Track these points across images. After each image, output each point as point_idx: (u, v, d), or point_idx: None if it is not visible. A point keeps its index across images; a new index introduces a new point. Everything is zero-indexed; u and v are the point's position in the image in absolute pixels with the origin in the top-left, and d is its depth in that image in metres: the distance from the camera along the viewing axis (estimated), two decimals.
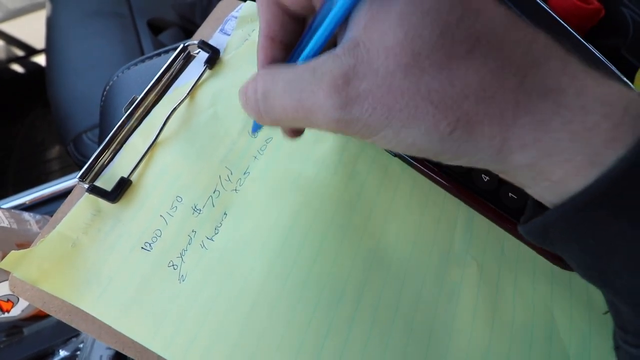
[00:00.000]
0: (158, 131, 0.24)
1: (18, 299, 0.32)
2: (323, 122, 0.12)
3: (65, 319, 0.20)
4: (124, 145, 0.24)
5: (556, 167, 0.11)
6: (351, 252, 0.21)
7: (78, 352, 0.38)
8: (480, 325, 0.20)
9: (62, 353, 0.37)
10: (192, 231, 0.22)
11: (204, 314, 0.19)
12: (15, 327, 0.36)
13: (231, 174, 0.24)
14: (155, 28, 0.66)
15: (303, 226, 0.22)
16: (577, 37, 0.27)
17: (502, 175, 0.12)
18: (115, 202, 0.22)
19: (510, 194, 0.23)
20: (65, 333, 0.36)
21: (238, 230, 0.22)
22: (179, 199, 0.23)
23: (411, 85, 0.11)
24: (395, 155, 0.25)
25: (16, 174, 0.93)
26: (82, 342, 0.36)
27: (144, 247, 0.21)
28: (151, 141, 0.24)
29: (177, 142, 0.24)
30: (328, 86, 0.11)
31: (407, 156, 0.24)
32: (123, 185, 0.23)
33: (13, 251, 0.20)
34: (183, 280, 0.20)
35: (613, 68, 0.25)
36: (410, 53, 0.11)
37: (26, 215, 0.36)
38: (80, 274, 0.20)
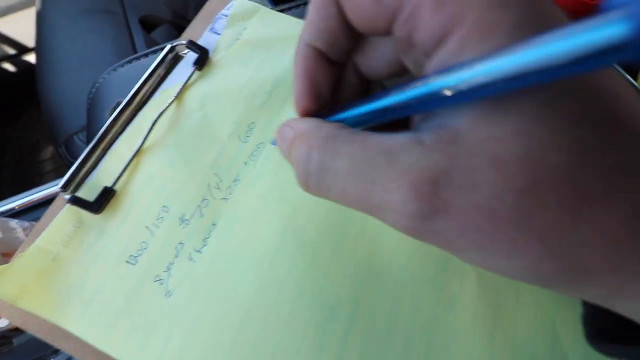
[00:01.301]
0: (144, 137, 0.23)
1: None
2: (393, 224, 0.10)
3: (46, 339, 0.19)
4: (108, 152, 0.23)
5: None
6: (345, 264, 0.20)
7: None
8: (480, 338, 0.19)
9: None
10: (180, 243, 0.21)
11: (192, 331, 0.18)
12: (4, 337, 0.35)
13: (221, 181, 0.22)
14: (148, 25, 0.65)
15: (295, 237, 0.21)
16: None
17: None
18: (98, 213, 0.21)
19: None
20: None
21: (227, 242, 0.21)
22: (166, 209, 0.21)
23: (521, 217, 0.08)
24: None
25: (11, 174, 0.91)
26: None
27: (129, 260, 0.20)
28: (137, 148, 0.23)
29: (163, 148, 0.23)
30: (409, 188, 0.09)
31: None
32: (106, 195, 0.21)
33: None
34: (170, 296, 0.19)
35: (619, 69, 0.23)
36: (530, 177, 0.08)
37: (13, 222, 0.34)
38: (61, 291, 0.19)
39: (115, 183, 0.22)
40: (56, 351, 0.36)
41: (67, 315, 0.19)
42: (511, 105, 0.08)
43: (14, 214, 0.42)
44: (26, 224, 0.36)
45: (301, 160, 0.11)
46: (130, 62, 0.30)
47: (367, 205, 0.10)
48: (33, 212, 0.43)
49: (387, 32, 0.10)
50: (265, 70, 0.26)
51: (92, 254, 0.20)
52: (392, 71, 0.12)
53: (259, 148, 0.24)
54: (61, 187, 0.22)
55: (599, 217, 0.08)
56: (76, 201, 0.21)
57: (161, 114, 0.24)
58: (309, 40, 0.12)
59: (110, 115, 0.24)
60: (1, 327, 0.32)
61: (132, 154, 0.23)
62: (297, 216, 0.21)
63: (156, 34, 0.64)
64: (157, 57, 0.26)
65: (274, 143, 0.17)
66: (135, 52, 0.63)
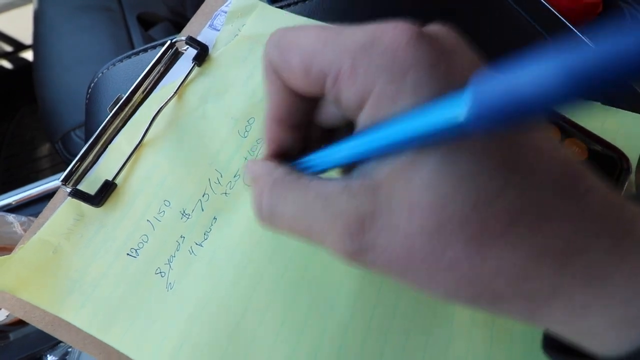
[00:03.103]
0: (144, 132, 0.23)
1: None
2: (331, 253, 0.11)
3: (47, 330, 0.19)
4: (109, 147, 0.24)
5: (593, 341, 0.10)
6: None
7: (67, 357, 0.37)
8: (479, 329, 0.19)
9: (50, 358, 0.36)
10: (181, 237, 0.21)
11: (192, 323, 0.19)
12: (1, 332, 0.35)
13: (221, 176, 0.23)
14: (146, 22, 0.65)
15: None
16: (575, 33, 0.27)
17: None
18: (99, 207, 0.21)
19: None
20: (54, 338, 0.35)
21: (228, 236, 0.21)
22: (167, 203, 0.22)
23: (433, 254, 0.10)
24: None
25: (5, 172, 0.91)
26: (71, 346, 0.35)
27: (130, 253, 0.20)
28: (137, 142, 0.23)
29: (164, 144, 0.24)
30: (341, 229, 0.11)
31: None
32: (107, 189, 0.22)
33: None
34: (171, 288, 0.19)
35: None
36: (437, 220, 0.10)
37: (10, 217, 0.34)
38: (61, 282, 0.19)
39: (115, 177, 0.22)
40: (53, 346, 0.36)
41: (68, 306, 0.19)
42: (421, 159, 0.10)
43: (11, 209, 0.42)
44: (23, 218, 0.36)
45: (255, 201, 0.13)
46: (129, 57, 0.30)
47: (311, 241, 0.12)
48: (30, 207, 0.43)
49: (324, 94, 0.12)
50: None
51: (92, 246, 0.20)
52: (344, 122, 0.14)
53: (258, 143, 0.24)
54: (62, 181, 0.22)
55: (504, 252, 0.09)
56: (77, 194, 0.21)
57: (161, 109, 0.24)
58: (271, 115, 0.14)
59: (111, 111, 0.24)
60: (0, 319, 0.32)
61: (132, 148, 0.23)
62: None
63: (154, 32, 0.64)
64: (156, 53, 0.26)
65: None
66: (132, 49, 0.63)
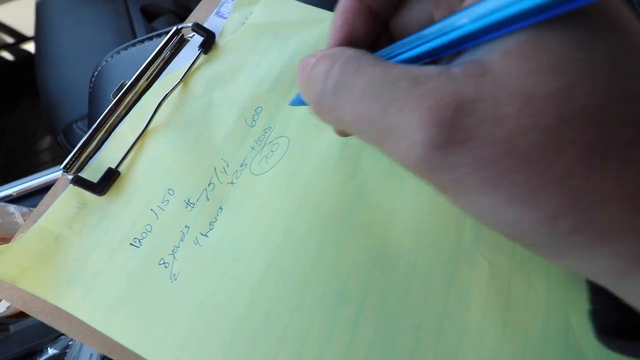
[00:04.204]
0: (148, 119, 0.23)
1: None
2: (398, 153, 0.09)
3: (47, 320, 0.18)
4: (112, 134, 0.23)
5: None
6: (354, 250, 0.20)
7: (67, 350, 0.36)
8: (491, 326, 0.19)
9: (51, 351, 0.36)
10: (185, 226, 0.20)
11: (197, 316, 0.18)
12: (0, 324, 0.34)
13: (227, 165, 0.22)
14: (149, 14, 0.64)
15: (303, 223, 0.20)
16: None
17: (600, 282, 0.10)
18: (102, 195, 0.21)
19: None
20: (54, 330, 0.34)
21: (234, 226, 0.20)
22: (171, 192, 0.21)
23: (543, 157, 0.08)
24: None
25: (6, 166, 0.90)
26: (72, 339, 0.35)
27: (133, 243, 0.20)
28: (141, 130, 0.22)
29: (168, 131, 0.23)
30: (429, 111, 0.08)
31: None
32: (110, 177, 0.21)
33: None
34: (175, 279, 0.19)
35: None
36: (557, 116, 0.08)
37: (12, 207, 0.34)
38: (62, 272, 0.19)
39: (119, 165, 0.21)
40: (54, 339, 0.35)
41: (69, 297, 0.18)
42: (545, 40, 0.08)
43: (11, 200, 0.41)
44: (24, 209, 0.35)
45: (319, 78, 0.10)
46: (134, 45, 0.29)
47: (377, 130, 0.09)
48: (31, 198, 0.42)
49: None
50: (272, 56, 0.26)
51: (95, 235, 0.20)
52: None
53: (265, 132, 0.23)
54: (63, 168, 0.21)
55: (622, 168, 0.08)
56: (79, 182, 0.20)
57: (166, 96, 0.23)
58: None
59: (115, 97, 0.23)
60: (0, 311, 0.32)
61: (136, 136, 0.22)
62: (305, 202, 0.21)
63: (158, 24, 0.64)
64: (161, 41, 0.26)
65: (292, 103, 0.17)
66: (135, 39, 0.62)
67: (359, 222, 0.21)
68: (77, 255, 0.19)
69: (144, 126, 0.22)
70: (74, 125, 0.55)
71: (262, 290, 0.19)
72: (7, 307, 0.32)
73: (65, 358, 0.34)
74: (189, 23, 0.26)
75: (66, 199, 0.20)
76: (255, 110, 0.24)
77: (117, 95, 0.23)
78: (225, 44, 0.26)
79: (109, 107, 0.23)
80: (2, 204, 0.34)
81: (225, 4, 0.28)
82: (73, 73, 0.58)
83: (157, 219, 0.20)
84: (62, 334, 0.35)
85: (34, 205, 0.40)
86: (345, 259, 0.20)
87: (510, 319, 0.19)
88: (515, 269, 0.20)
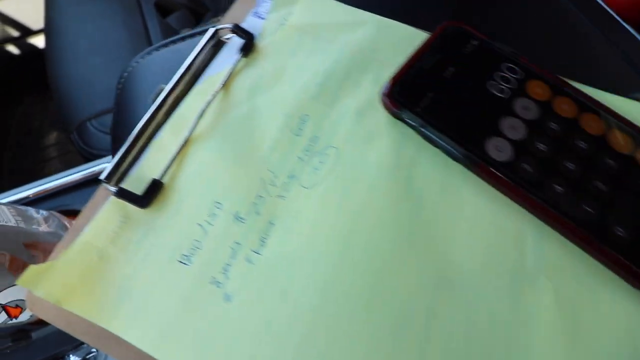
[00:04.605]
0: (192, 126, 0.21)
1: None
2: None
3: (94, 344, 0.17)
4: (151, 142, 0.22)
5: None
6: (416, 271, 0.19)
7: (88, 357, 0.36)
8: (560, 355, 0.18)
9: (73, 358, 0.35)
10: (236, 243, 0.19)
11: (257, 343, 0.17)
12: (22, 331, 0.33)
13: (275, 177, 0.21)
14: (163, 10, 0.62)
15: (360, 242, 0.19)
16: (631, 32, 0.25)
17: None
18: (146, 208, 0.20)
19: (618, 227, 0.19)
20: (76, 338, 0.33)
21: (288, 244, 0.19)
22: (219, 206, 0.20)
23: None
24: (456, 159, 0.22)
25: (11, 160, 0.89)
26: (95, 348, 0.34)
27: (182, 260, 0.19)
28: (184, 138, 0.21)
29: (212, 140, 0.22)
30: None
31: (471, 156, 0.21)
32: (155, 189, 0.20)
33: (32, 265, 0.17)
34: (229, 300, 0.18)
35: None
36: None
37: (32, 211, 0.33)
38: (109, 292, 0.18)
39: (163, 175, 0.20)
40: (76, 347, 0.34)
41: (118, 319, 0.17)
42: None
43: (28, 202, 0.40)
44: (45, 213, 0.34)
45: None
46: (166, 45, 0.28)
47: None
48: (48, 201, 0.41)
49: None
50: (315, 60, 0.25)
51: (141, 251, 0.19)
52: None
53: (312, 142, 0.22)
54: (105, 179, 0.20)
55: None
56: (123, 194, 0.19)
57: (209, 103, 0.22)
58: None
59: (153, 102, 0.22)
60: (20, 322, 0.31)
61: (178, 145, 0.21)
62: (361, 219, 0.20)
63: (172, 20, 0.62)
64: (194, 42, 0.24)
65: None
66: (148, 37, 0.61)
67: (419, 241, 0.20)
68: (123, 273, 0.18)
69: (187, 134, 0.21)
70: (88, 124, 0.53)
71: (322, 313, 0.18)
72: (31, 316, 0.31)
73: None
74: (228, 24, 0.25)
75: (108, 212, 0.19)
76: (301, 118, 0.23)
77: (155, 101, 0.22)
78: (264, 46, 0.25)
79: (148, 114, 0.22)
80: (23, 207, 0.33)
81: (263, 3, 0.27)
82: (85, 70, 0.57)
83: (206, 234, 0.19)
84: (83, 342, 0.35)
85: (52, 208, 0.39)
86: (407, 281, 0.19)
87: (579, 347, 0.18)
88: (581, 293, 0.19)
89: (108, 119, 0.53)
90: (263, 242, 0.19)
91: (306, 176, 0.21)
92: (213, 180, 0.21)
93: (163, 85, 0.23)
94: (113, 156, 0.36)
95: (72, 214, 0.40)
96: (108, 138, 0.52)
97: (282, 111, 0.23)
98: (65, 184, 0.41)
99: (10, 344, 0.33)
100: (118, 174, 0.20)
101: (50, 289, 0.17)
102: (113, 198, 0.19)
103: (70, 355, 0.35)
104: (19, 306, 0.29)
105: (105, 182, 0.20)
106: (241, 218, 0.20)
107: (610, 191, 0.20)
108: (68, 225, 0.35)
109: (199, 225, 0.19)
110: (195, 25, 0.59)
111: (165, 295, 0.18)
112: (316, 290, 0.18)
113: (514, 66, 0.23)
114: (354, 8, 0.27)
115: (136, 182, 0.20)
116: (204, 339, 0.17)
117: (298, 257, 0.19)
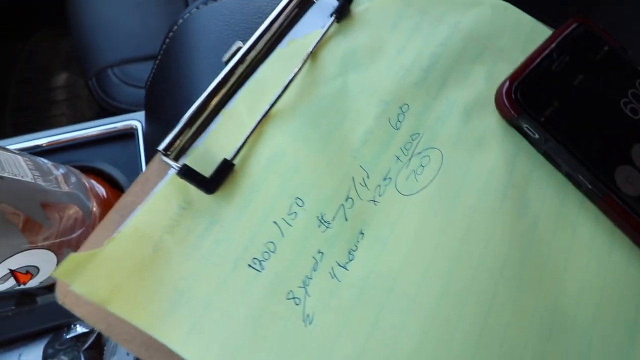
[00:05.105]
0: (274, 99, 0.17)
1: (38, 270, 0.26)
2: None
3: (140, 354, 0.14)
4: (222, 112, 0.18)
5: None
6: (527, 311, 0.16)
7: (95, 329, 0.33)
8: None
9: (80, 329, 0.32)
10: (318, 252, 0.16)
11: None
12: (28, 294, 0.30)
13: (367, 177, 0.17)
14: None
15: (469, 268, 0.16)
16: None
17: None
18: (212, 194, 0.16)
19: None
20: None
21: (381, 261, 0.16)
22: (300, 203, 0.16)
23: None
24: (578, 184, 0.19)
25: (15, 97, 0.83)
26: None
27: (252, 264, 0.15)
28: (262, 112, 0.17)
29: (295, 119, 0.18)
30: None
31: (599, 184, 0.18)
32: (225, 171, 0.16)
33: (73, 254, 0.13)
34: (310, 323, 0.14)
35: None
36: None
37: (50, 165, 0.29)
38: (164, 293, 0.14)
39: (234, 156, 0.16)
40: None
41: (172, 328, 0.14)
42: None
43: (40, 152, 0.36)
44: (63, 169, 0.30)
45: None
46: None
47: None
48: (59, 153, 0.37)
49: None
50: (420, 40, 0.20)
51: (203, 247, 0.15)
52: None
53: (413, 139, 0.18)
54: (163, 149, 0.16)
55: None
56: (188, 174, 0.15)
57: (296, 74, 0.18)
58: None
59: (227, 63, 0.18)
60: (29, 288, 0.28)
61: (255, 120, 0.17)
62: (469, 241, 0.16)
63: None
64: None
65: None
66: None
67: (531, 275, 0.17)
68: (182, 271, 0.15)
69: (267, 108, 0.17)
70: (109, 71, 0.48)
71: (421, 355, 0.14)
72: (41, 282, 0.27)
73: (104, 342, 0.30)
74: None
75: (166, 194, 0.16)
76: (401, 108, 0.19)
77: (230, 61, 0.18)
78: (361, 13, 0.21)
79: (220, 76, 0.18)
80: (40, 160, 0.29)
81: None
82: (111, 11, 0.51)
83: (282, 236, 0.16)
84: None
85: (67, 162, 0.35)
86: (518, 322, 0.15)
87: None
88: None
89: (132, 69, 0.48)
90: (351, 254, 0.16)
91: (404, 180, 0.17)
92: (294, 170, 0.17)
93: (241, 43, 0.18)
94: (147, 113, 0.32)
95: (89, 171, 0.36)
96: (130, 90, 0.47)
97: (380, 96, 0.19)
98: (83, 137, 0.37)
99: (13, 307, 0.30)
100: (179, 145, 0.16)
101: (93, 286, 0.13)
102: (174, 177, 0.16)
103: (77, 325, 0.32)
104: (30, 272, 0.26)
105: (163, 154, 0.16)
106: (326, 222, 0.16)
107: None
108: (87, 185, 0.31)
109: (275, 223, 0.16)
110: None
111: (230, 305, 0.14)
112: (416, 325, 0.15)
113: None
114: None
115: (201, 160, 0.16)
116: None
117: (393, 280, 0.15)
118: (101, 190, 0.34)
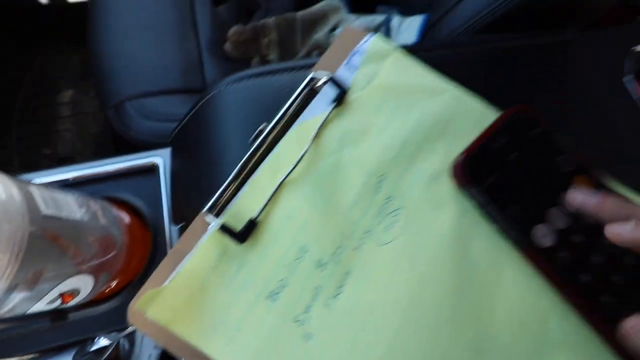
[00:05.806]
0: (289, 170, 0.24)
1: (79, 292, 0.31)
2: None
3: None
4: (249, 181, 0.24)
5: None
6: (464, 334, 0.22)
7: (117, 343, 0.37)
8: None
9: (103, 342, 0.37)
10: (317, 287, 0.22)
11: None
12: (61, 311, 0.35)
13: (354, 230, 0.23)
14: None
15: (422, 306, 0.22)
16: None
17: None
18: (242, 244, 0.22)
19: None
20: (112, 325, 0.35)
21: (360, 296, 0.22)
22: (305, 250, 0.22)
23: None
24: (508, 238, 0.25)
25: (21, 111, 0.86)
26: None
27: (269, 297, 0.21)
28: (279, 180, 0.23)
29: (304, 186, 0.24)
30: None
31: (522, 240, 0.24)
32: (252, 227, 0.22)
33: (150, 290, 0.19)
34: (310, 340, 0.20)
35: None
36: None
37: (89, 199, 0.34)
38: (208, 319, 0.20)
39: (258, 215, 0.22)
40: (109, 333, 0.36)
41: (214, 343, 0.20)
42: None
43: (67, 185, 0.40)
44: (98, 202, 0.35)
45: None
46: (258, 75, 0.29)
47: None
48: (83, 186, 0.41)
49: None
50: (397, 122, 0.27)
51: (235, 284, 0.21)
52: None
53: (387, 202, 0.25)
54: (208, 210, 0.22)
55: None
56: (226, 229, 0.21)
57: (307, 150, 0.24)
58: None
59: (252, 144, 0.24)
60: (66, 306, 0.32)
61: (274, 186, 0.23)
62: (426, 283, 0.23)
63: (222, 10, 0.62)
64: (281, 79, 0.26)
65: None
66: (194, 20, 0.61)
67: (469, 305, 0.23)
68: (220, 303, 0.20)
69: (284, 177, 0.23)
70: (127, 103, 0.53)
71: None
72: (78, 302, 0.32)
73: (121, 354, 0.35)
74: (324, 74, 0.27)
75: (210, 244, 0.21)
76: (379, 177, 0.25)
77: (254, 142, 0.24)
78: (353, 100, 0.27)
79: (248, 153, 0.24)
80: (81, 196, 0.34)
81: (355, 55, 0.29)
82: (132, 46, 0.57)
83: (292, 275, 0.22)
84: (116, 330, 0.36)
85: (97, 193, 0.39)
86: (458, 339, 0.21)
87: None
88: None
89: (148, 103, 0.53)
90: (340, 289, 0.22)
91: (379, 234, 0.24)
92: (303, 225, 0.23)
93: (266, 125, 0.24)
94: (173, 150, 0.37)
95: (114, 201, 0.40)
96: (146, 123, 0.52)
97: (365, 169, 0.25)
98: (108, 172, 0.42)
99: (48, 323, 0.34)
100: (218, 206, 0.22)
101: (160, 312, 0.19)
102: (215, 231, 0.21)
103: (101, 338, 0.36)
104: (73, 294, 0.31)
105: (208, 214, 0.22)
106: (323, 264, 0.22)
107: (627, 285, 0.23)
108: (118, 216, 0.36)
109: (286, 266, 0.22)
110: (245, 21, 0.60)
111: (254, 327, 0.20)
112: (384, 341, 0.21)
113: (567, 159, 0.25)
114: (434, 75, 0.29)
115: (234, 218, 0.22)
116: None
117: (370, 308, 0.22)
118: (126, 218, 0.39)
